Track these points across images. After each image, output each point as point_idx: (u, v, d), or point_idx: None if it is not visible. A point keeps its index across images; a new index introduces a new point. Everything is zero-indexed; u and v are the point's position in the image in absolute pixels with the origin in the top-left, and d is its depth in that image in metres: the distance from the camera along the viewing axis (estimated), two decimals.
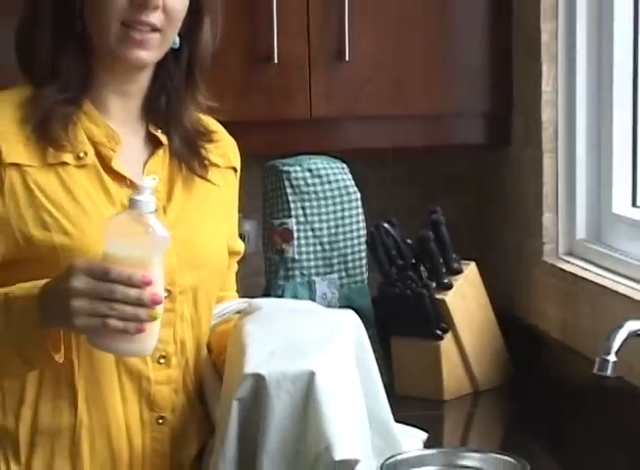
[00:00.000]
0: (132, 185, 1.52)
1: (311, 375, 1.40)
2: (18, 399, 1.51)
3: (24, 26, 1.55)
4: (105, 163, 1.53)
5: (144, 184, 1.39)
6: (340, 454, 1.35)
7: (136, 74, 1.56)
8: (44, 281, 1.42)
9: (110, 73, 1.55)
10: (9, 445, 1.51)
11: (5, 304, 1.43)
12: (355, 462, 1.35)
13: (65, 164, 1.50)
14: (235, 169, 1.71)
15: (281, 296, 2.20)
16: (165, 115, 1.60)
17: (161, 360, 1.54)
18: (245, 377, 1.41)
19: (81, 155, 1.51)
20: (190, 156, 1.61)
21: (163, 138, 1.60)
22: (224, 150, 1.68)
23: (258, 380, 1.40)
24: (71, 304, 1.36)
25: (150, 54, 1.52)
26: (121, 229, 1.39)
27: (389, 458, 1.51)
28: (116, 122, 1.56)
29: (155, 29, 1.50)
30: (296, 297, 2.19)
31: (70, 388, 1.50)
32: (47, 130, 1.50)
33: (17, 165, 1.48)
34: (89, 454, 1.51)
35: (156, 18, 1.49)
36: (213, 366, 1.62)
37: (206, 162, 1.62)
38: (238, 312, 1.66)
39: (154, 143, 1.60)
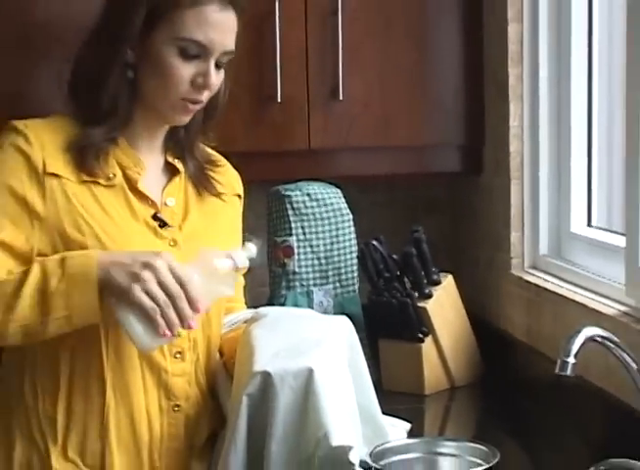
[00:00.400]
0: (154, 205, 1.56)
1: (310, 371, 1.41)
2: (54, 392, 1.52)
3: (89, 73, 1.55)
4: (131, 184, 1.56)
5: (251, 246, 1.48)
6: (336, 441, 1.36)
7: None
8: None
9: (147, 121, 1.59)
10: (47, 428, 1.52)
11: (61, 260, 1.43)
12: (349, 448, 1.35)
13: (96, 183, 1.53)
14: (239, 196, 1.74)
15: (283, 304, 2.19)
16: (182, 147, 1.64)
17: (177, 355, 1.55)
18: (254, 375, 1.42)
19: (111, 176, 1.54)
20: (201, 178, 1.64)
21: (180, 166, 1.63)
22: (229, 181, 1.72)
23: (266, 377, 1.41)
24: (143, 273, 1.38)
25: (189, 118, 1.58)
26: (211, 262, 1.45)
27: (378, 446, 1.51)
28: (142, 153, 1.59)
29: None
30: (296, 305, 2.18)
31: (100, 379, 1.51)
32: (83, 161, 1.52)
33: (57, 176, 1.50)
34: (116, 436, 1.52)
35: (206, 95, 1.55)
36: (225, 367, 1.63)
37: (215, 183, 1.65)
38: (245, 322, 1.66)
39: (171, 170, 1.63)
